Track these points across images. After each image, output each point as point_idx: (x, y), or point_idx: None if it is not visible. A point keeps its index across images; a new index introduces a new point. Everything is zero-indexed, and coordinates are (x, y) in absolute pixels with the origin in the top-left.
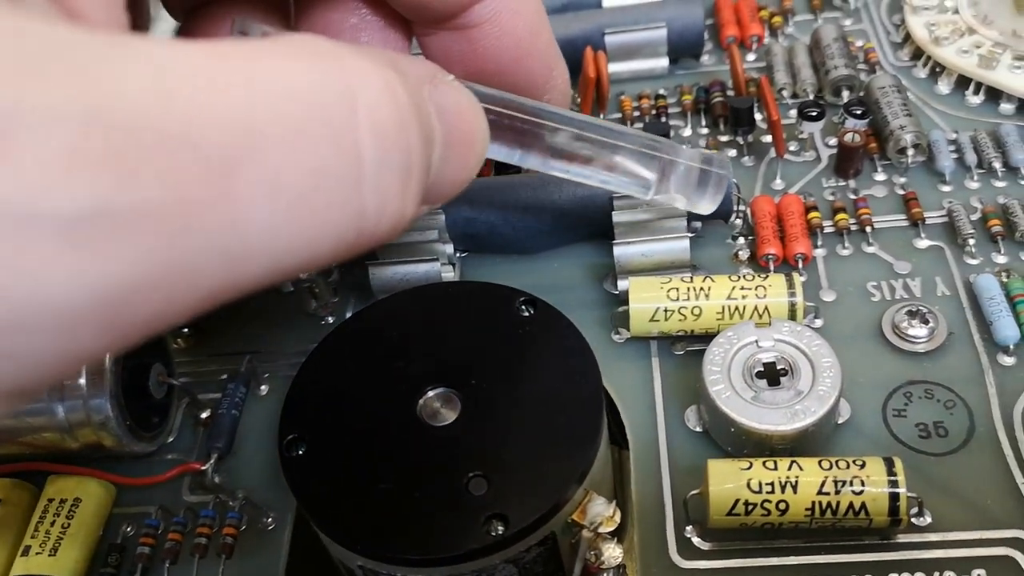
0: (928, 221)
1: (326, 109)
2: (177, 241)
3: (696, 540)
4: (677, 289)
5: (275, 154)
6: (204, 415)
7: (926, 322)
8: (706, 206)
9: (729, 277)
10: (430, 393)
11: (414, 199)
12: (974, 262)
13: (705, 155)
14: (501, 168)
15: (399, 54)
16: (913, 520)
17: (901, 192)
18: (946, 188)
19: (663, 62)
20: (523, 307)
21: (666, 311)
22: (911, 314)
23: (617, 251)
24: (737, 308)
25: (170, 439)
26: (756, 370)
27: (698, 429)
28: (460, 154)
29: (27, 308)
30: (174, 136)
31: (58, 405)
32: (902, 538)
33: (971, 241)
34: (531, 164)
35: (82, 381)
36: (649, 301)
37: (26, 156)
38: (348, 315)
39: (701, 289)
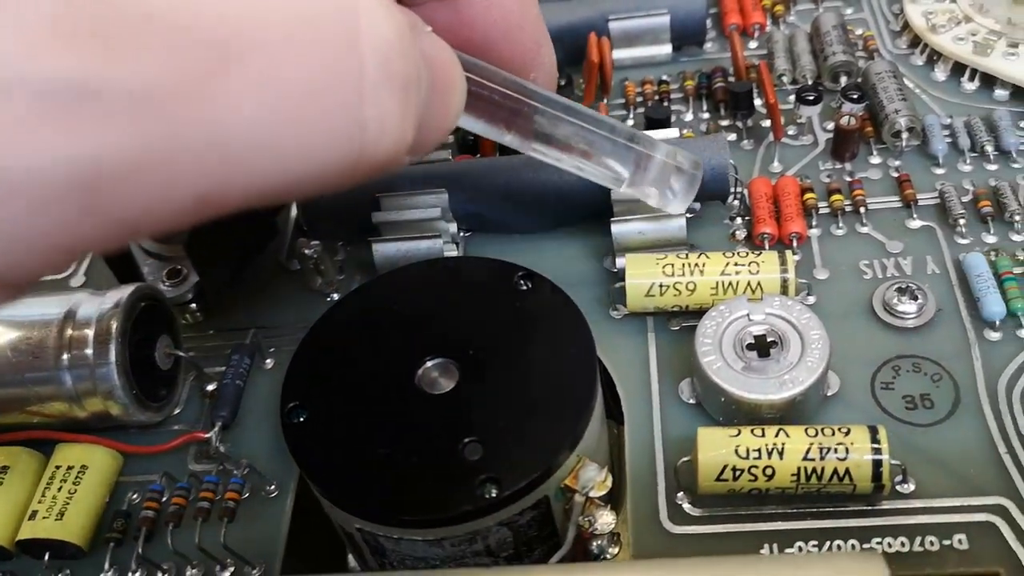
0: (921, 202)
1: (330, 17)
2: (161, 128)
3: (687, 506)
4: (672, 265)
5: (274, 54)
6: (210, 388)
7: (915, 298)
8: (677, 206)
9: (723, 254)
10: (429, 363)
11: (412, 127)
12: (964, 242)
13: (683, 155)
14: (505, 150)
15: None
16: (897, 487)
17: (895, 175)
18: (939, 171)
19: (666, 49)
20: (521, 281)
21: (661, 286)
22: (901, 291)
23: (615, 229)
24: (731, 284)
25: (177, 410)
26: (747, 342)
27: (691, 401)
28: (441, 101)
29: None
30: (169, 21)
31: (66, 374)
32: (886, 504)
33: (961, 221)
34: (508, 140)
35: (89, 351)
36: (645, 277)
37: (7, 17)
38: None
39: (696, 265)
